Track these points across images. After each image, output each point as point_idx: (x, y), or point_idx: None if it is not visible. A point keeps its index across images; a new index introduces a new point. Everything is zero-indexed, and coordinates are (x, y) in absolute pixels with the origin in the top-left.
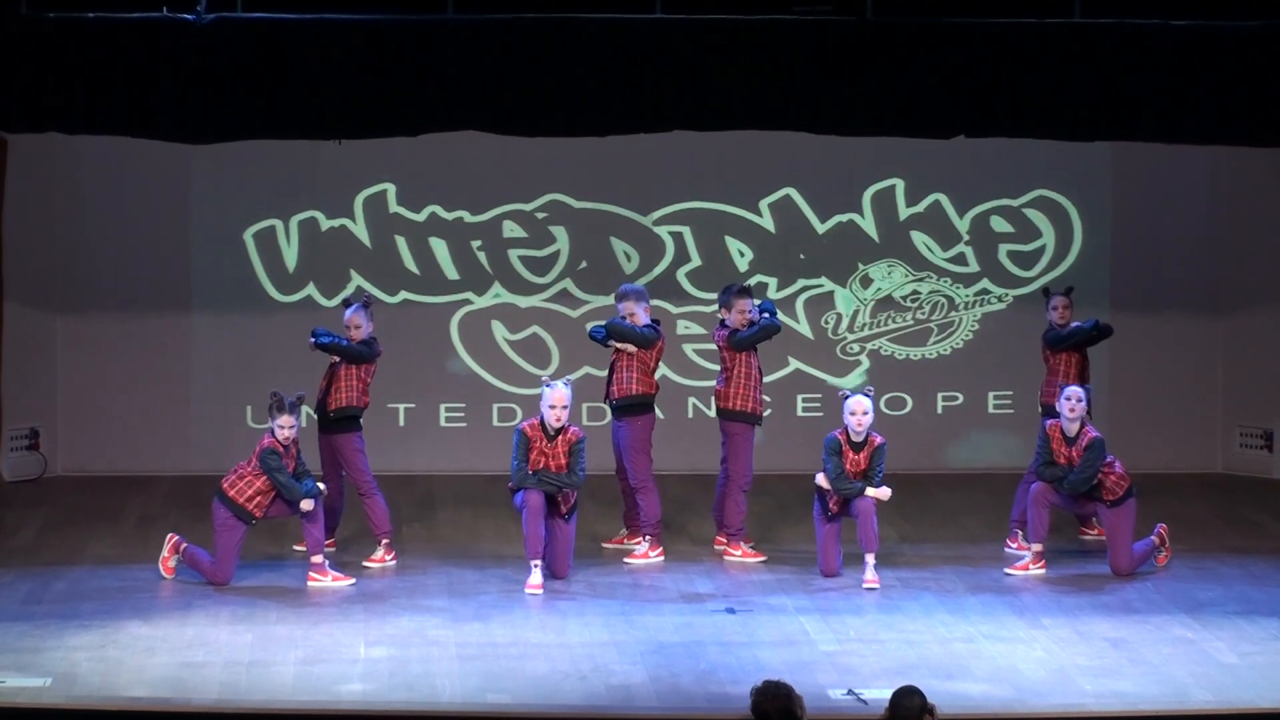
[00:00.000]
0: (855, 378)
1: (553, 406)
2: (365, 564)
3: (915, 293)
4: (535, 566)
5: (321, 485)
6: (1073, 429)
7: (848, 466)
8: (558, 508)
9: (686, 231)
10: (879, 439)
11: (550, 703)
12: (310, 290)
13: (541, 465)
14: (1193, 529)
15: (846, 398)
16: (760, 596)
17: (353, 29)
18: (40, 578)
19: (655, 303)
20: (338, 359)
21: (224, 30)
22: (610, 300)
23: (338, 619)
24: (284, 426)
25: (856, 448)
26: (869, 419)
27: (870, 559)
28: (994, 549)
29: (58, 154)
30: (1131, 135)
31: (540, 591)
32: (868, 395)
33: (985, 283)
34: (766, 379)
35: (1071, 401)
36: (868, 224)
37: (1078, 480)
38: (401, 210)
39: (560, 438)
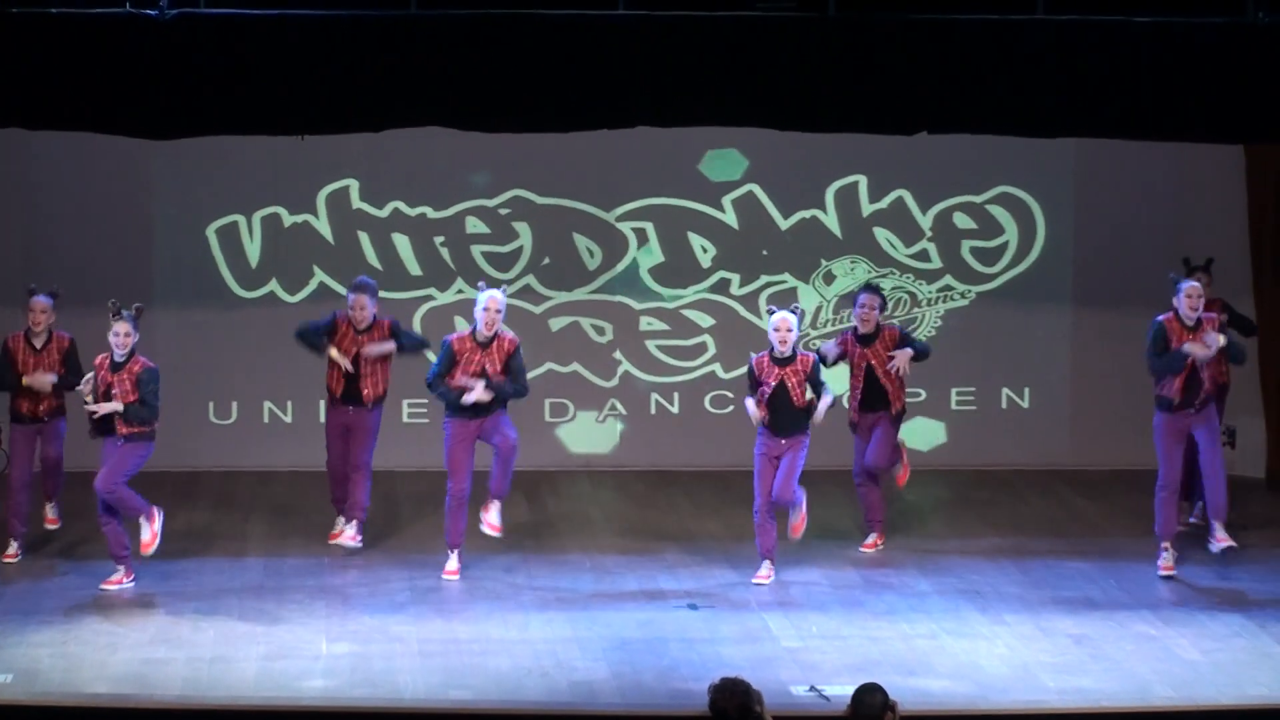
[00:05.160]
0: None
1: (486, 309)
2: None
3: None
4: (452, 551)
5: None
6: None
7: (771, 380)
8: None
9: (649, 227)
10: (811, 356)
11: (512, 699)
12: (273, 286)
13: (474, 371)
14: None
15: (772, 313)
16: (722, 593)
17: (315, 25)
18: (1, 573)
19: (618, 298)
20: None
21: (187, 26)
22: (573, 296)
23: (299, 615)
24: (117, 333)
25: (783, 362)
26: (793, 336)
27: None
28: (956, 545)
29: (20, 149)
30: (1094, 132)
31: (457, 577)
32: (794, 312)
33: (948, 279)
34: (729, 375)
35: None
36: (830, 220)
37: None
38: (364, 206)
39: (494, 344)
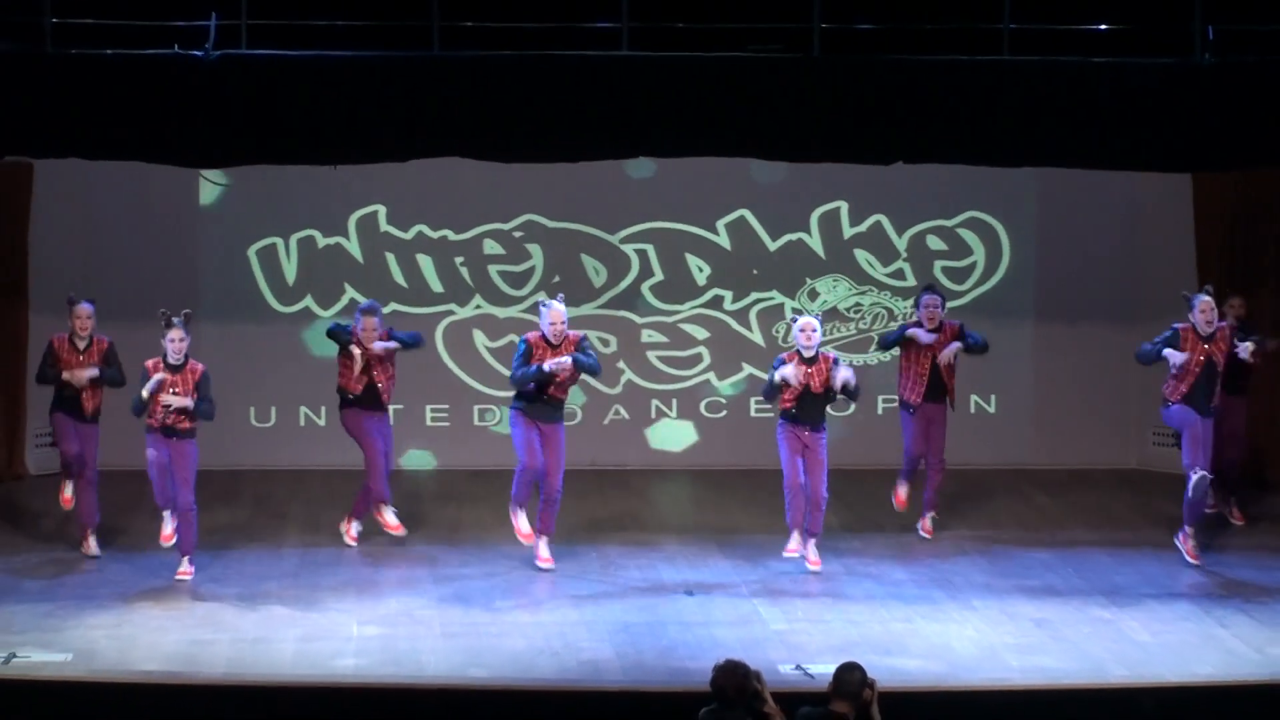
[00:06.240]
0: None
1: (553, 324)
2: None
3: (858, 305)
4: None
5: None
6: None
7: (800, 379)
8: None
9: (650, 249)
10: (831, 355)
11: (526, 676)
12: (308, 301)
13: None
14: (1111, 518)
15: (796, 319)
16: (716, 580)
17: (347, 65)
18: (62, 563)
19: (621, 313)
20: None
21: (230, 66)
22: (581, 311)
23: (333, 600)
24: (172, 340)
25: (809, 361)
26: (818, 336)
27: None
28: (929, 537)
29: (79, 177)
30: (1054, 161)
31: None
32: (816, 317)
33: None
34: (722, 382)
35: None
36: (815, 242)
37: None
38: (391, 229)
39: (564, 344)
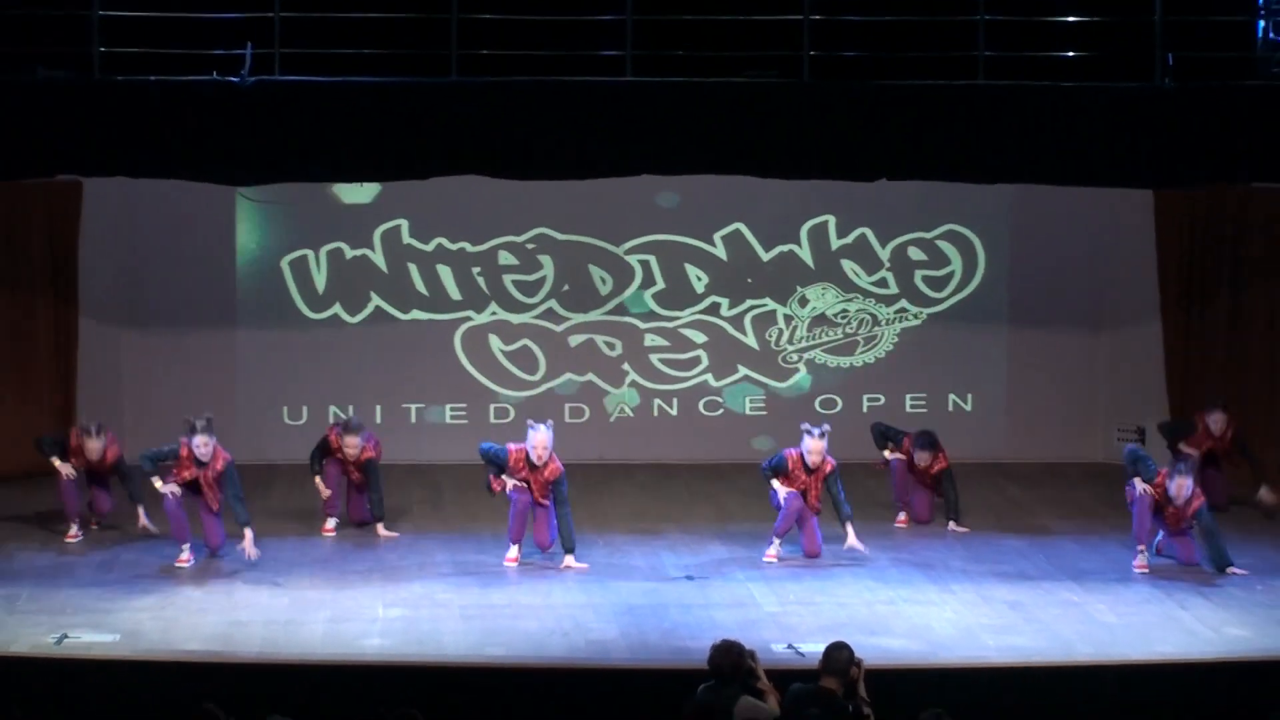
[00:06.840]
0: (796, 382)
1: (534, 447)
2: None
3: (844, 311)
4: (513, 544)
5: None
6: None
7: (797, 486)
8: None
9: (652, 259)
10: (831, 463)
11: (538, 655)
12: (336, 309)
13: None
14: (1079, 508)
15: (808, 434)
16: (714, 566)
17: (372, 90)
18: (110, 550)
19: (627, 320)
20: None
21: (264, 91)
22: (589, 317)
23: (360, 584)
24: (197, 445)
25: (810, 471)
26: (822, 456)
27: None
28: (911, 526)
29: (125, 194)
30: (1026, 178)
31: (516, 563)
32: (824, 437)
33: (903, 303)
34: (719, 383)
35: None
36: (805, 253)
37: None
38: (413, 241)
39: (542, 470)
